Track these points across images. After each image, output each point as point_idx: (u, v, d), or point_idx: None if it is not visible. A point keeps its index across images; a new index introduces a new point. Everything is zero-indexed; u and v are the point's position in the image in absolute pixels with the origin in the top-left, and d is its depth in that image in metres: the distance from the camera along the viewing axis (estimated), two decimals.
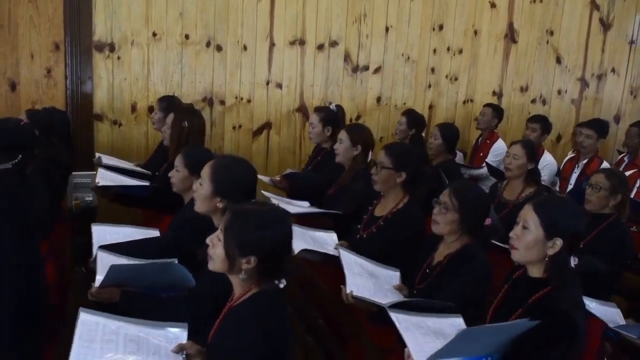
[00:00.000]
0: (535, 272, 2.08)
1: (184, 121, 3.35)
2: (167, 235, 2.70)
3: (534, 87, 6.10)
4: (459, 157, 5.49)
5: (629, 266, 3.21)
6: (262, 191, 3.70)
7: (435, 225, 2.48)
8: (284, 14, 5.03)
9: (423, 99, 5.64)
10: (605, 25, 6.32)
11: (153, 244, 2.61)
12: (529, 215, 2.04)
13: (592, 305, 2.71)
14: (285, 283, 1.81)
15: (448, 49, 5.64)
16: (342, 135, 3.63)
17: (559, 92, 6.24)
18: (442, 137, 4.29)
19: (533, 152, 3.55)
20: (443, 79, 5.68)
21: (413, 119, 4.90)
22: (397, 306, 2.08)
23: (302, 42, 5.13)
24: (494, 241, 2.94)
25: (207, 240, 1.83)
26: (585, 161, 4.48)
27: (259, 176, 4.04)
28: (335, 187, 3.68)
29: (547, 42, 6.07)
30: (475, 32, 5.72)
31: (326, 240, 3.02)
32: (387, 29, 5.38)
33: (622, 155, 5.55)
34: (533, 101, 6.14)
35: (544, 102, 6.19)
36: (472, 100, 5.84)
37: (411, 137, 4.90)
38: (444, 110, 5.76)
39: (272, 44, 5.05)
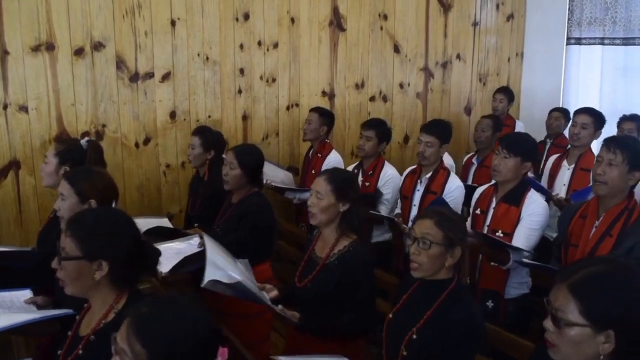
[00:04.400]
0: None
1: None
2: None
3: (371, 82, 5.13)
4: (288, 178, 4.40)
5: None
6: None
7: None
8: (17, 9, 3.60)
9: (233, 108, 4.45)
10: (445, 6, 5.50)
11: None
12: None
13: None
14: None
15: (259, 43, 4.48)
16: (64, 187, 2.37)
17: (401, 85, 5.32)
18: (239, 165, 3.10)
19: (343, 188, 2.44)
20: (257, 81, 4.52)
21: (209, 138, 3.69)
22: None
23: (50, 47, 3.73)
24: None
25: None
26: (429, 175, 3.50)
27: None
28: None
29: (382, 28, 5.11)
30: (293, 21, 4.61)
31: None
32: (173, 23, 4.11)
33: (469, 156, 4.71)
34: (372, 99, 5.16)
35: (384, 99, 5.24)
36: (297, 105, 4.74)
37: (210, 163, 3.69)
38: (263, 120, 4.60)
39: (5, 52, 3.61)
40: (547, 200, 3.44)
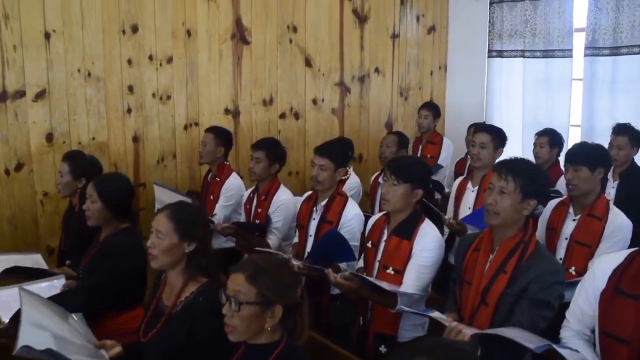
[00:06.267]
0: None
1: None
2: None
3: (281, 98, 4.80)
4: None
5: None
6: None
7: None
8: None
9: (122, 128, 4.04)
10: (361, 18, 5.24)
11: None
12: None
13: None
14: None
15: (150, 57, 4.10)
16: None
17: (315, 101, 5.02)
18: (100, 198, 2.72)
19: (188, 226, 2.09)
20: (149, 98, 4.13)
21: (79, 165, 3.28)
22: None
23: None
24: None
25: None
26: (324, 202, 3.19)
27: None
28: None
29: (291, 41, 4.80)
30: (189, 33, 4.25)
31: None
32: (47, 35, 3.69)
33: (375, 176, 4.43)
34: (282, 116, 4.83)
35: (296, 116, 4.92)
36: (197, 124, 4.37)
37: (81, 192, 3.27)
38: (157, 141, 4.21)
39: None
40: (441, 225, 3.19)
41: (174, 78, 4.21)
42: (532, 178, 2.26)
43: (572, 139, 5.10)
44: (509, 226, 2.28)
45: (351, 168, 4.32)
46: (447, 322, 2.09)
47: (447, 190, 4.55)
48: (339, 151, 3.24)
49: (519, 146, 5.52)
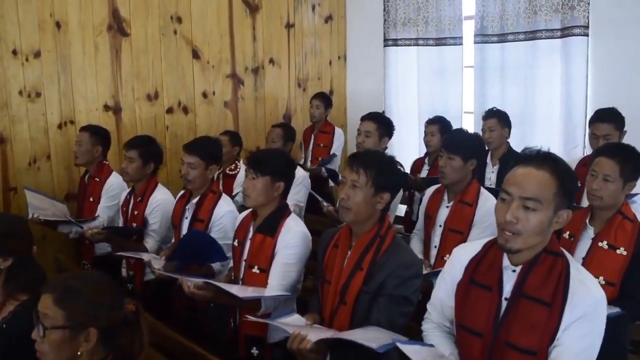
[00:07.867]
0: None
1: None
2: None
3: (167, 92, 4.61)
4: (61, 209, 3.75)
5: None
6: None
7: None
8: None
9: None
10: (252, 7, 5.10)
11: None
12: None
13: None
14: None
15: (14, 52, 3.81)
16: None
17: (205, 95, 4.85)
18: None
19: (6, 245, 1.90)
20: (15, 96, 3.84)
21: None
22: None
23: None
24: None
25: None
26: (196, 200, 3.05)
27: None
28: None
29: (176, 32, 4.61)
30: (58, 25, 3.98)
31: None
32: None
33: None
34: (169, 111, 4.64)
35: (185, 111, 4.73)
36: (72, 122, 4.11)
37: None
38: (27, 142, 3.93)
39: None
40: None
41: (43, 74, 3.93)
42: (383, 171, 2.20)
43: (465, 126, 5.17)
44: (363, 221, 2.22)
45: (241, 161, 4.20)
46: (290, 329, 2.00)
47: (340, 178, 4.52)
48: (208, 148, 3.09)
49: (415, 134, 5.57)
